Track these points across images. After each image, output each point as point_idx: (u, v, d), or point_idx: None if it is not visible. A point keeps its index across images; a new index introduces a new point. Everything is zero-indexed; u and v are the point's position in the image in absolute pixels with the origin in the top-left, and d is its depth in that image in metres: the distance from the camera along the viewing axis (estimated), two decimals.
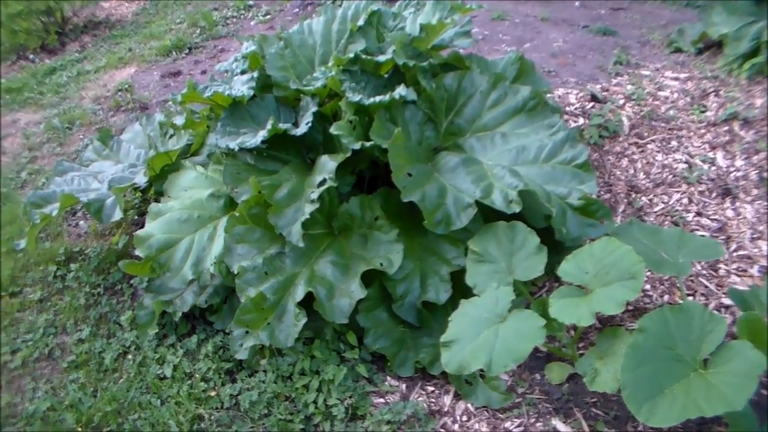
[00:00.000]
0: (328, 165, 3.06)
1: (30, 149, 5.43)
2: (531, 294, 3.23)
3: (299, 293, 2.86)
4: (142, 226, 3.51)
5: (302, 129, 3.22)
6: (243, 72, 3.57)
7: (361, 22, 3.54)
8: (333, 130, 3.07)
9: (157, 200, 3.75)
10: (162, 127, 3.83)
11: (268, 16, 7.76)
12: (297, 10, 7.56)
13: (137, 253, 3.01)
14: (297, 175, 3.17)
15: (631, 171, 4.09)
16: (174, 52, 7.02)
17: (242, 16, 8.03)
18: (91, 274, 3.70)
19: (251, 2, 8.38)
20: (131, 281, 3.58)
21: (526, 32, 6.30)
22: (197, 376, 2.99)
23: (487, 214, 3.10)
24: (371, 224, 3.14)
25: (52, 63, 7.58)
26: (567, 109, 4.70)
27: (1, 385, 3.19)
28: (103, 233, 4.04)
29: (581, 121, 4.55)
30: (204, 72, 6.35)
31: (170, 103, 3.67)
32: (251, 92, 3.32)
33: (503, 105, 3.43)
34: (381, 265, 2.94)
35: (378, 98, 3.16)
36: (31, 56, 7.97)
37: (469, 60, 3.76)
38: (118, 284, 3.62)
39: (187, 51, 7.04)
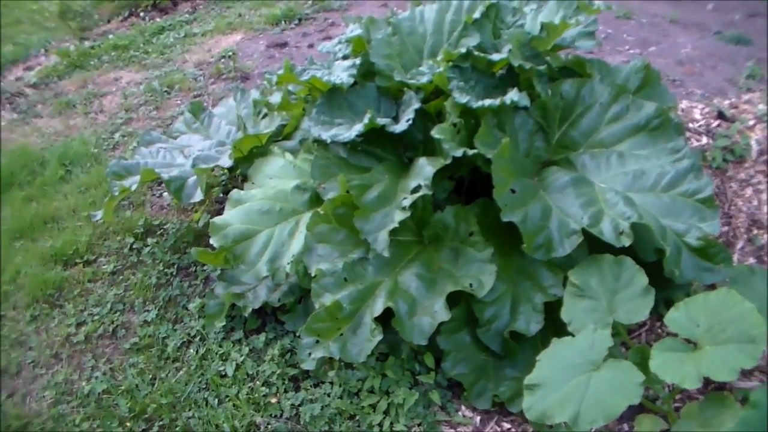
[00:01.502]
0: (425, 170, 2.85)
1: (127, 110, 5.40)
2: (629, 332, 2.96)
3: (378, 306, 2.67)
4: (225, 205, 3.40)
5: (401, 126, 3.02)
6: (345, 57, 3.39)
7: (477, 15, 3.30)
8: (434, 133, 2.85)
9: (243, 182, 3.62)
10: (256, 105, 3.69)
11: None
12: None
13: (212, 241, 2.87)
14: (390, 176, 2.97)
15: (755, 203, 3.72)
16: (283, 22, 6.90)
17: None
18: (166, 252, 3.60)
19: None
20: (205, 265, 3.46)
21: (652, 34, 5.91)
22: (259, 379, 2.85)
23: (592, 241, 2.83)
24: (465, 238, 2.91)
25: (162, 22, 7.58)
26: (690, 125, 4.34)
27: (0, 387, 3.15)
28: (186, 208, 3.94)
29: (704, 140, 4.19)
30: (311, 46, 6.21)
31: (265, 82, 3.49)
32: (351, 80, 3.13)
33: (624, 121, 3.14)
34: (470, 286, 2.71)
35: (487, 102, 2.92)
36: (143, 14, 7.99)
37: (590, 65, 3.46)
38: (192, 266, 3.52)
39: (296, 21, 6.91)
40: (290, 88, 3.68)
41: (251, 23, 7.00)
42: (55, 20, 8.11)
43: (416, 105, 3.10)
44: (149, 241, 3.69)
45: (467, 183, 3.33)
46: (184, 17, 7.70)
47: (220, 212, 3.61)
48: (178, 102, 5.37)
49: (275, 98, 3.72)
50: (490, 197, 2.93)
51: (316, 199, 3.03)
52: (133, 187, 3.36)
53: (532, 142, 3.16)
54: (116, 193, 3.38)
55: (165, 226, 3.81)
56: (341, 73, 3.13)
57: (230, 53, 6.12)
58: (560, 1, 3.56)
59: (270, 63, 5.86)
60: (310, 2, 7.43)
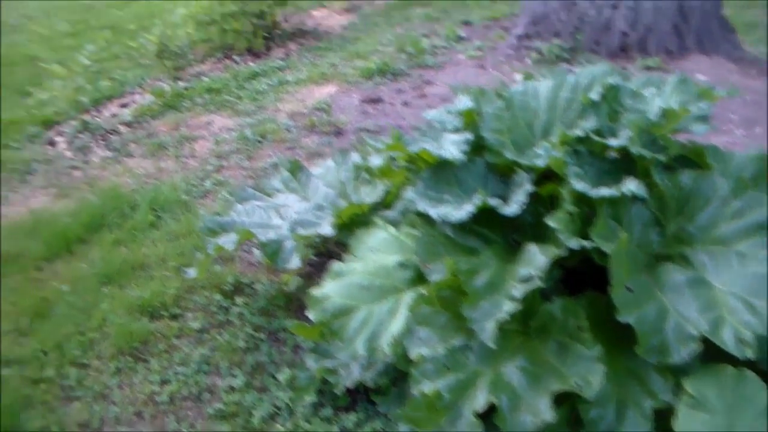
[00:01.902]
0: (537, 259, 2.76)
1: (218, 156, 5.46)
2: None
3: (480, 400, 2.58)
4: (318, 269, 3.37)
5: (513, 209, 2.95)
6: (456, 130, 3.34)
7: (595, 96, 3.23)
8: (550, 222, 2.77)
9: (340, 249, 3.60)
10: (357, 170, 3.66)
11: (479, 53, 7.56)
12: (511, 51, 7.31)
13: (310, 315, 2.83)
14: (498, 260, 2.90)
15: None
16: (377, 76, 6.94)
17: (451, 48, 7.88)
18: (255, 314, 3.58)
19: (463, 34, 8.22)
20: (289, 326, 3.42)
21: (758, 112, 5.77)
22: None
23: (709, 346, 2.70)
24: (573, 333, 2.81)
25: (255, 67, 7.70)
26: None
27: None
28: (276, 268, 3.91)
29: None
30: (406, 103, 6.22)
31: (366, 143, 3.47)
32: (462, 156, 3.08)
33: (744, 218, 3.00)
34: (577, 385, 2.60)
35: (606, 191, 2.84)
36: (236, 57, 8.13)
37: (706, 153, 3.35)
38: (281, 332, 3.48)
39: (390, 76, 6.95)
40: (392, 153, 3.64)
41: (345, 75, 7.05)
42: (151, 58, 8.30)
43: (529, 188, 3.03)
44: (238, 300, 3.68)
45: (574, 270, 3.22)
46: (276, 63, 7.80)
47: (310, 276, 3.61)
48: (270, 153, 5.40)
49: (375, 161, 3.70)
50: (598, 288, 2.84)
51: (418, 277, 2.97)
52: (230, 247, 3.35)
53: (646, 235, 3.06)
54: (211, 251, 3.38)
55: (254, 286, 3.79)
56: (452, 148, 3.09)
57: (324, 105, 6.16)
58: (679, 83, 3.47)
59: (364, 119, 5.87)
60: (404, 57, 7.46)
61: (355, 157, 3.89)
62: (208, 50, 8.63)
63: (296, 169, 3.94)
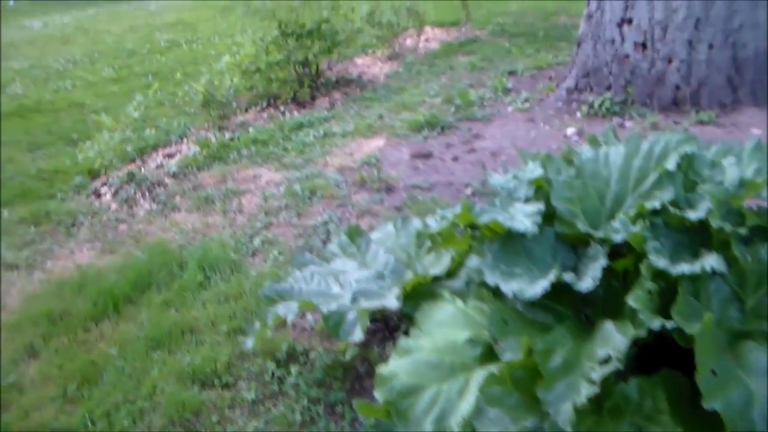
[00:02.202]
0: (615, 338, 2.66)
1: (266, 213, 5.42)
2: None
3: None
4: (374, 337, 3.29)
5: (587, 284, 2.86)
6: (526, 199, 3.26)
7: (670, 166, 3.14)
8: (631, 301, 2.68)
9: (397, 316, 3.52)
10: (419, 236, 3.59)
11: (527, 104, 7.51)
12: (560, 104, 7.25)
13: (376, 394, 2.73)
14: (573, 338, 2.80)
15: None
16: (426, 129, 6.90)
17: (499, 99, 7.85)
18: (311, 384, 3.49)
19: (509, 85, 8.18)
20: (354, 405, 3.31)
21: None
22: None
23: None
24: (649, 415, 2.69)
25: (300, 117, 7.71)
26: None
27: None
28: (330, 335, 3.83)
29: None
30: (456, 158, 6.16)
31: (437, 218, 3.39)
32: (536, 228, 2.99)
33: None
34: None
35: (686, 268, 2.74)
36: (281, 107, 8.16)
37: None
38: (339, 405, 3.38)
39: (439, 130, 6.91)
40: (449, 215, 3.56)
41: (393, 128, 7.03)
42: (195, 106, 8.37)
43: (603, 262, 2.94)
44: (292, 369, 3.59)
45: (646, 345, 3.11)
46: (322, 114, 7.80)
47: (367, 344, 3.52)
48: (320, 210, 5.35)
49: (435, 224, 3.64)
50: (674, 366, 2.73)
51: (488, 354, 2.88)
52: (290, 318, 3.28)
53: (726, 312, 2.94)
54: (270, 321, 3.32)
55: (309, 354, 3.71)
56: (525, 220, 3.01)
57: (373, 160, 6.12)
58: (754, 150, 3.39)
59: (414, 175, 5.82)
60: (452, 109, 7.43)
61: (415, 223, 3.83)
62: (252, 98, 8.68)
63: (355, 234, 3.88)
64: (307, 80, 8.53)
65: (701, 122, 6.59)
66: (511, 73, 8.99)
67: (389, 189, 5.60)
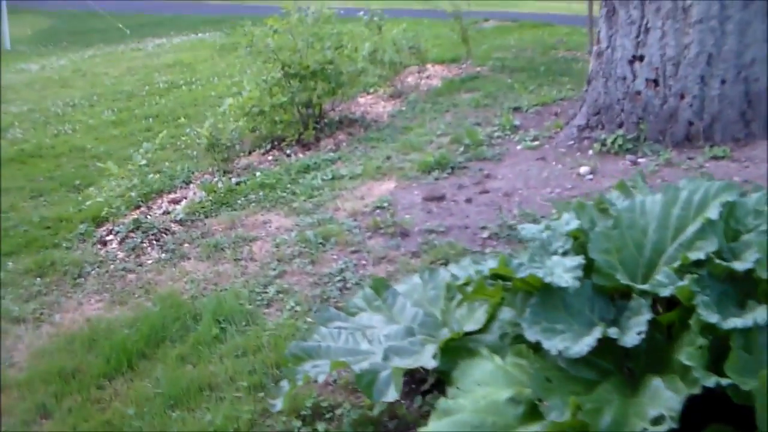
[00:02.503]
0: (666, 396, 2.57)
1: (279, 260, 5.32)
2: None
3: None
4: (404, 390, 3.19)
5: (633, 339, 2.77)
6: (564, 252, 3.16)
7: (713, 215, 3.05)
8: (683, 358, 2.59)
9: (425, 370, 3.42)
10: (449, 289, 3.49)
11: (536, 142, 7.46)
12: (571, 142, 7.19)
13: None
14: (619, 396, 2.71)
15: None
16: (436, 170, 6.82)
17: (507, 138, 7.80)
18: None
19: (517, 122, 8.12)
20: None
21: None
22: None
23: None
24: None
25: (306, 159, 7.63)
26: None
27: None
28: (356, 388, 3.71)
29: None
30: (469, 200, 6.08)
31: (472, 272, 3.29)
32: (577, 283, 2.90)
33: None
34: None
35: (738, 322, 2.65)
36: (285, 149, 8.09)
37: None
38: None
39: (449, 171, 6.83)
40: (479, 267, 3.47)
41: (402, 169, 6.95)
42: (197, 149, 8.29)
43: (648, 316, 2.86)
44: (319, 427, 3.47)
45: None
46: (328, 155, 7.73)
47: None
48: (335, 257, 5.26)
49: (460, 272, 3.55)
50: (722, 421, 2.65)
51: (531, 413, 2.77)
52: (321, 378, 3.17)
53: None
54: (299, 382, 3.20)
55: (336, 410, 3.59)
56: (566, 275, 2.91)
57: (385, 204, 6.04)
58: None
59: (428, 218, 5.73)
60: (461, 149, 7.37)
61: (443, 274, 3.74)
62: (255, 140, 8.61)
63: (380, 287, 3.78)
64: (311, 121, 8.45)
65: (715, 157, 6.54)
66: (516, 109, 8.95)
67: (404, 234, 5.51)
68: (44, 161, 8.62)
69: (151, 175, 7.40)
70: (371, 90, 10.82)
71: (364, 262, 5.15)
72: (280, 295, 4.84)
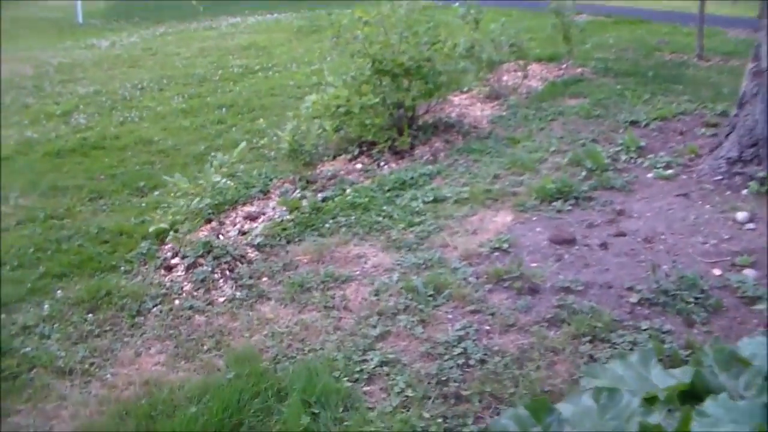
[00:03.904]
0: None
1: (380, 314, 4.30)
2: None
3: None
4: None
5: None
6: None
7: None
8: None
9: None
10: (644, 429, 2.37)
11: (670, 171, 6.27)
12: (720, 177, 5.98)
13: None
14: None
15: None
16: (557, 200, 5.69)
17: (634, 162, 6.63)
18: None
19: (642, 143, 6.93)
20: None
21: None
22: None
23: None
24: None
25: (400, 172, 6.59)
26: None
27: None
28: None
29: None
30: (604, 245, 4.97)
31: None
32: None
33: None
34: None
35: None
36: (378, 158, 7.02)
37: None
38: None
39: (572, 201, 5.72)
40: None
41: (516, 195, 5.86)
42: (275, 149, 7.30)
43: None
44: None
45: None
46: (425, 168, 6.67)
47: None
48: (449, 316, 4.21)
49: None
50: None
51: None
52: None
53: None
54: None
55: None
56: None
57: (505, 244, 4.96)
58: None
59: (561, 269, 4.63)
60: (583, 173, 6.23)
61: (626, 398, 2.60)
62: (341, 142, 7.54)
63: (540, 411, 2.66)
64: (405, 126, 7.35)
65: None
66: (633, 123, 7.75)
67: (533, 290, 4.42)
68: (107, 154, 7.70)
69: (224, 180, 6.36)
70: (464, 89, 9.65)
71: (487, 327, 4.08)
72: (385, 369, 3.79)
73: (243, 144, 5.42)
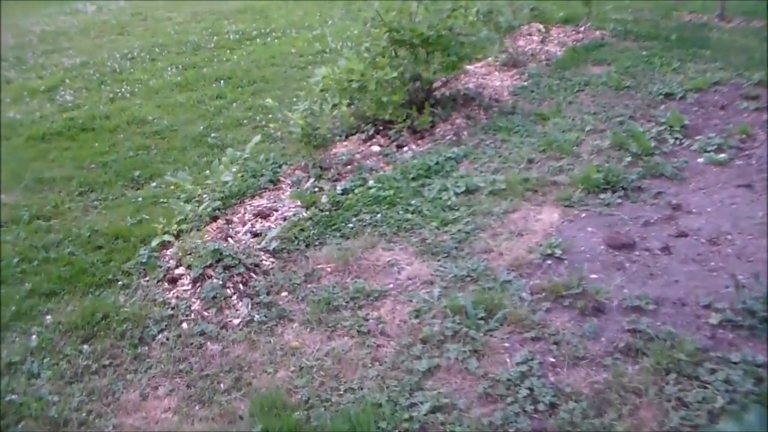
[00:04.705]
0: None
1: (424, 341, 3.70)
2: None
3: None
4: None
5: None
6: None
7: None
8: None
9: None
10: None
11: (723, 155, 5.62)
12: None
13: None
14: None
15: None
16: (604, 191, 5.06)
17: (680, 143, 5.97)
18: None
19: (687, 121, 6.27)
20: None
21: None
22: None
23: None
24: None
25: (423, 156, 5.94)
26: None
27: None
28: None
29: None
30: (666, 249, 4.38)
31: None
32: None
33: None
34: None
35: None
36: (392, 133, 6.35)
37: None
38: None
39: (621, 193, 5.10)
40: None
41: (558, 186, 5.23)
42: (281, 129, 6.62)
43: None
44: None
45: None
46: (450, 151, 6.02)
47: None
48: (506, 344, 3.60)
49: None
50: None
51: None
52: None
53: None
54: None
55: None
56: None
57: (557, 249, 4.35)
58: None
59: (625, 282, 4.04)
60: (628, 158, 5.60)
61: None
62: (353, 119, 6.85)
63: None
64: (427, 104, 6.67)
65: None
66: (668, 96, 7.09)
67: (598, 309, 3.82)
68: (97, 137, 7.01)
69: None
70: (479, 56, 8.91)
71: (552, 359, 3.49)
72: (438, 416, 3.21)
73: (257, 138, 4.72)
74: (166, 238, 4.47)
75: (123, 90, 8.42)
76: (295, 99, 7.16)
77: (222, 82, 8.59)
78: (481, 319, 3.79)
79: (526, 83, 7.95)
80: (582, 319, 3.75)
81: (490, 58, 8.93)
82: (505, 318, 3.78)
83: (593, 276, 4.10)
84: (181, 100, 7.99)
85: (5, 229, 5.25)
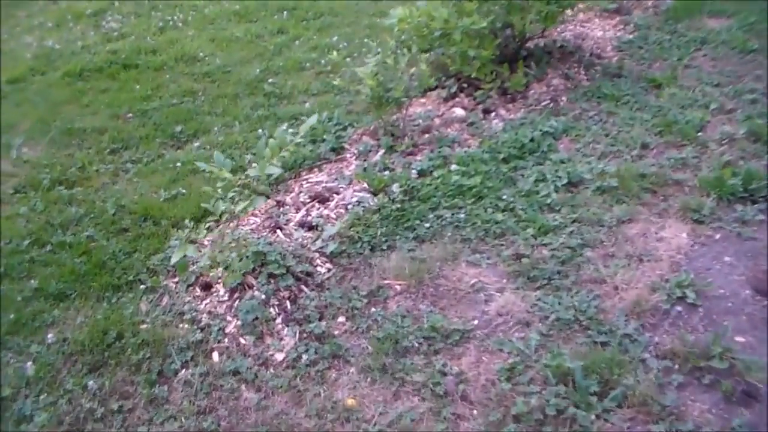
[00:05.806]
0: None
1: (518, 419, 2.78)
2: None
3: None
4: None
5: None
6: None
7: None
8: None
9: None
10: None
11: None
12: None
13: None
14: None
15: None
16: (741, 200, 4.05)
17: None
18: None
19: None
20: None
21: None
22: None
23: None
24: None
25: (516, 129, 4.94)
26: None
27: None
28: None
29: None
30: None
31: None
32: None
33: None
34: None
35: None
36: (478, 94, 5.36)
37: None
38: None
39: (763, 205, 4.05)
40: None
41: (683, 188, 4.24)
42: (344, 83, 5.66)
43: None
44: None
45: None
46: (547, 125, 5.01)
47: None
48: (627, 427, 2.67)
49: None
50: None
51: None
52: None
53: None
54: None
55: None
56: None
57: (687, 290, 3.38)
58: None
59: None
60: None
61: None
62: (432, 71, 5.80)
63: None
64: (519, 58, 5.62)
65: None
66: None
67: (749, 395, 2.88)
68: (140, 77, 6.16)
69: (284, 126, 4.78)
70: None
71: None
72: None
73: (313, 119, 3.75)
74: (205, 264, 3.59)
75: (175, 18, 7.49)
76: (366, 41, 6.14)
77: (285, 13, 7.61)
78: (594, 394, 2.87)
79: (632, 36, 6.82)
80: (728, 408, 2.83)
81: (588, 2, 7.72)
82: (625, 397, 2.85)
83: (739, 339, 3.14)
84: (237, 34, 7.05)
85: (21, 195, 4.46)
